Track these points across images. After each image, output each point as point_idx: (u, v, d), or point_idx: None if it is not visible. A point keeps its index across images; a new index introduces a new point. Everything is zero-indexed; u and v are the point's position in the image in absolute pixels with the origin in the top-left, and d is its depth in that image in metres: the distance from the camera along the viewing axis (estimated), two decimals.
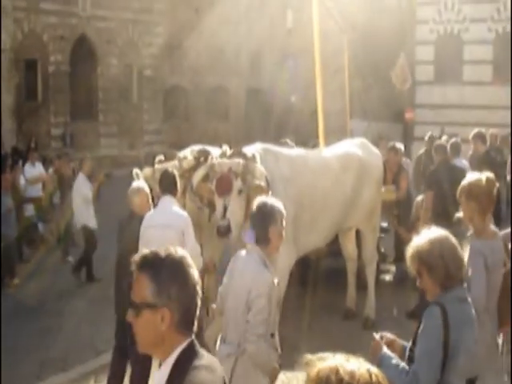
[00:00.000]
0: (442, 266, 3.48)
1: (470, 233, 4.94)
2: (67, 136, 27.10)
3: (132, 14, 29.28)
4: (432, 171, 9.06)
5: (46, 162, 16.50)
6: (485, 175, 4.85)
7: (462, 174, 8.92)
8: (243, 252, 4.59)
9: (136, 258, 2.36)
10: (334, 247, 9.28)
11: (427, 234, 3.60)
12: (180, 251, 2.39)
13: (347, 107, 14.99)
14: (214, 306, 4.88)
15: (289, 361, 7.35)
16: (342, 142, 9.15)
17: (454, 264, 3.51)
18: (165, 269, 2.30)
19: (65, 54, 27.48)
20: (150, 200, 6.80)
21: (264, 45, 32.24)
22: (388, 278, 10.89)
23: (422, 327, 3.51)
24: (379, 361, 3.47)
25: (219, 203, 6.61)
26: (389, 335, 3.74)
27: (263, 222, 4.39)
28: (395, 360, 3.51)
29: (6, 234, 11.48)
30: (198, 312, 2.37)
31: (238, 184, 6.62)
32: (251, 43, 32.24)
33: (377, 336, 3.65)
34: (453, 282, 3.52)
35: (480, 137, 11.15)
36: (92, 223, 11.49)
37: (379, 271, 10.05)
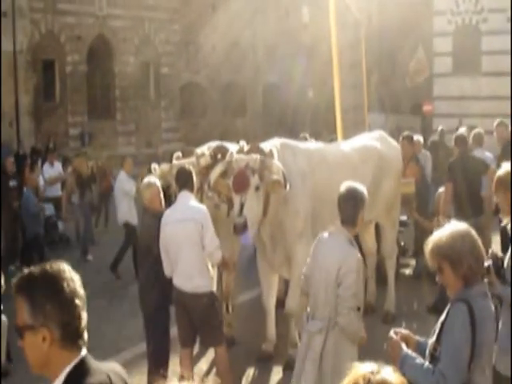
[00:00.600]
0: (465, 261, 3.39)
1: (503, 224, 4.81)
2: (85, 135, 27.23)
3: (148, 11, 29.33)
4: (452, 162, 8.95)
5: (65, 162, 16.59)
6: None
7: (482, 165, 8.83)
8: (326, 234, 4.97)
9: (13, 280, 2.29)
10: None
11: (448, 229, 3.51)
12: (57, 265, 2.30)
13: (365, 100, 14.88)
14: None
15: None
16: (360, 135, 9.07)
17: (476, 259, 3.43)
18: (38, 288, 2.24)
19: (82, 54, 27.62)
20: (162, 195, 6.81)
21: (280, 39, 32.16)
22: (408, 271, 10.80)
23: (448, 325, 3.41)
24: (402, 361, 3.41)
25: (236, 200, 6.58)
26: (403, 331, 3.67)
27: (354, 205, 4.81)
28: (418, 359, 3.43)
29: (36, 233, 11.60)
30: (83, 323, 2.29)
31: (255, 180, 6.58)
32: (267, 38, 32.19)
33: (393, 334, 3.58)
34: (476, 278, 3.44)
35: (504, 126, 10.95)
36: (133, 220, 11.47)
37: (399, 265, 9.97)
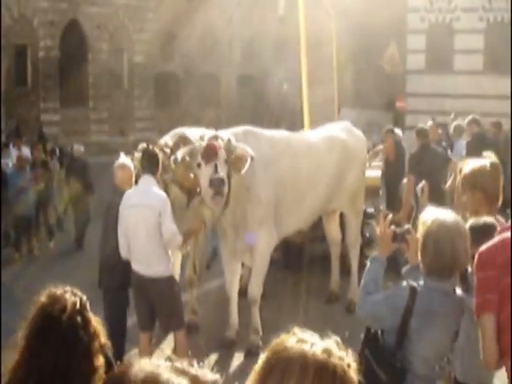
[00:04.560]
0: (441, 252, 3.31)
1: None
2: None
3: None
4: (413, 155, 9.09)
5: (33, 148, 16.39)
6: (488, 160, 4.22)
7: (441, 158, 8.99)
8: None
9: None
10: (318, 232, 9.29)
11: (451, 215, 3.35)
12: None
13: (335, 95, 14.93)
14: None
15: (271, 342, 7.44)
16: (325, 125, 9.14)
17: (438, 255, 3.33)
18: None
19: (55, 40, 27.33)
20: (134, 177, 6.80)
21: (256, 32, 32.12)
22: None
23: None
24: (373, 260, 3.52)
25: (208, 168, 6.56)
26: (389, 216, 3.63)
27: None
28: (380, 274, 3.51)
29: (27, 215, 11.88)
30: None
31: (223, 153, 6.63)
32: (243, 30, 32.12)
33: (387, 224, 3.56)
34: (441, 272, 3.34)
35: (475, 122, 11.12)
36: None
37: (363, 256, 10.05)
